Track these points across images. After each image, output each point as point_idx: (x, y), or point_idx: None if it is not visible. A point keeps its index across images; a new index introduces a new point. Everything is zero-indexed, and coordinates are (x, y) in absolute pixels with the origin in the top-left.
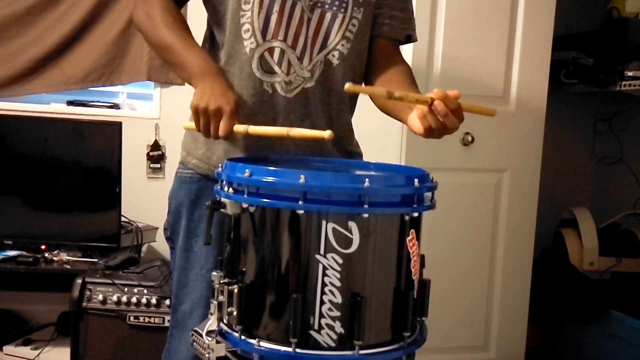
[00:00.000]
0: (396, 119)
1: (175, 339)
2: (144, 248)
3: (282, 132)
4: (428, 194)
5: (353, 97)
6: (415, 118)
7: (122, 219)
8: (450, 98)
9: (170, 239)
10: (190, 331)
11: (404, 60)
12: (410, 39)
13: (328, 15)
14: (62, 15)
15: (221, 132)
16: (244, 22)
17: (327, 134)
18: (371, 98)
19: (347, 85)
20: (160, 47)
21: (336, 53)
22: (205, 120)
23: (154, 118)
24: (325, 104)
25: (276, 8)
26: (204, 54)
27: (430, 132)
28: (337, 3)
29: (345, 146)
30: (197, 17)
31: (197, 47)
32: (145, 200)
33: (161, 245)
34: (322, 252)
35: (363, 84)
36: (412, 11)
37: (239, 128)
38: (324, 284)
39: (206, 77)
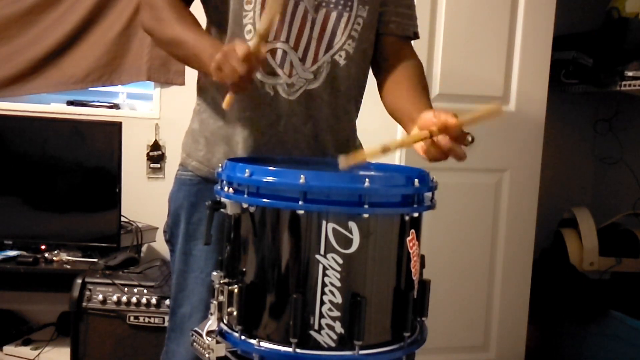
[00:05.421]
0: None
1: (173, 342)
2: (144, 248)
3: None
4: (428, 194)
5: (359, 98)
6: (419, 145)
7: (122, 219)
8: (450, 127)
9: (170, 241)
10: (189, 332)
11: (415, 56)
12: (416, 35)
13: (333, 15)
14: (62, 15)
15: (239, 52)
16: (246, 22)
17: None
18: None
19: (342, 163)
20: (172, 44)
21: (343, 53)
22: (226, 66)
23: (154, 118)
24: (332, 105)
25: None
26: (216, 41)
27: (436, 160)
28: (342, 2)
29: (348, 148)
30: (196, 18)
31: (208, 36)
32: (145, 200)
33: (161, 245)
34: (322, 252)
35: (377, 85)
36: (415, 7)
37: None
38: (324, 284)
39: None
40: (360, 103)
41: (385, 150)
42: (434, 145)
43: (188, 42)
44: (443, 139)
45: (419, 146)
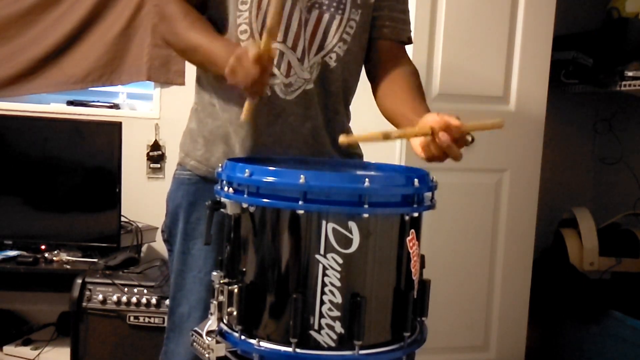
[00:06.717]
0: None
1: (172, 342)
2: (144, 248)
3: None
4: (428, 194)
5: (348, 99)
6: (417, 143)
7: (122, 219)
8: (452, 127)
9: (168, 241)
10: (189, 332)
11: (409, 61)
12: (409, 40)
13: (326, 17)
14: (62, 15)
15: (251, 54)
16: (241, 22)
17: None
18: (381, 106)
19: (341, 138)
20: (189, 51)
21: (333, 55)
22: (239, 69)
23: (154, 118)
24: (323, 106)
25: None
26: (229, 42)
27: (432, 159)
28: (335, 4)
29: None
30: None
31: (221, 39)
32: (145, 200)
33: (161, 245)
34: (322, 252)
35: (371, 89)
36: (409, 13)
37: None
38: (324, 284)
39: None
40: (350, 104)
41: (386, 136)
42: (433, 142)
43: (201, 48)
44: (443, 136)
45: (417, 144)
